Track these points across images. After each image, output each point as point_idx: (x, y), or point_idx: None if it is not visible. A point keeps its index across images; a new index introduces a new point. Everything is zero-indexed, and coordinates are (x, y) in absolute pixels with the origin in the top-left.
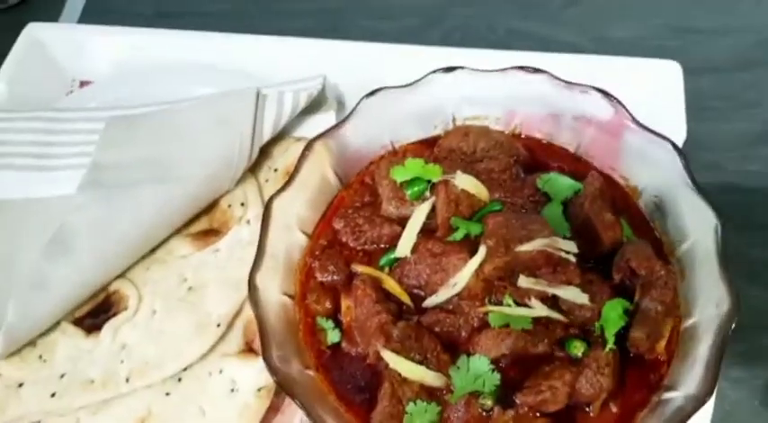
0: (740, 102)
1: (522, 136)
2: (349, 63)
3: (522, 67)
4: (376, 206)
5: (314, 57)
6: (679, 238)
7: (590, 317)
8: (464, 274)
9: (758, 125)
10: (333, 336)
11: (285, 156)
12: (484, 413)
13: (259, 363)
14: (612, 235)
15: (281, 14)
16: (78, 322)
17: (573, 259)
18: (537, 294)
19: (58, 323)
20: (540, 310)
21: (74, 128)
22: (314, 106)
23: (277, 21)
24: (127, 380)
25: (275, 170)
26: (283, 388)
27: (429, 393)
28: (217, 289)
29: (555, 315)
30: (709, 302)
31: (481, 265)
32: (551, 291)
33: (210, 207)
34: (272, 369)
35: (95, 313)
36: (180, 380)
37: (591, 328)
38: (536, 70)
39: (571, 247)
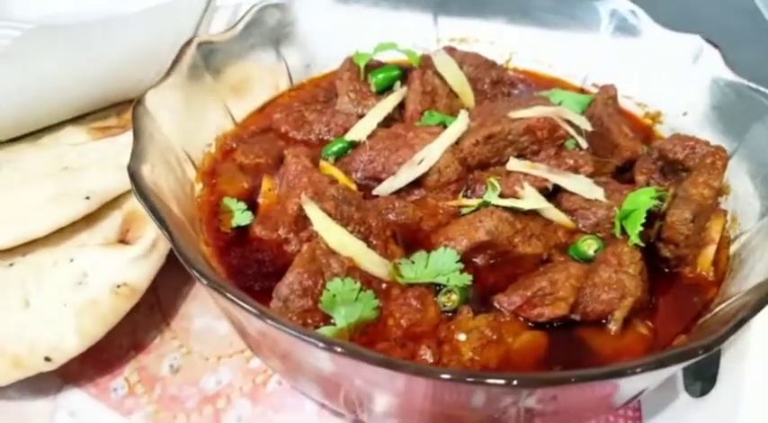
0: None
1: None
2: None
3: None
4: (329, 105)
5: None
6: None
7: (604, 217)
8: (435, 147)
9: None
10: (241, 218)
11: None
12: (445, 314)
13: (129, 254)
14: (632, 144)
15: None
16: None
17: (584, 144)
18: (532, 183)
19: None
20: (533, 200)
21: None
22: None
23: None
24: None
25: None
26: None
27: (365, 281)
28: (100, 169)
29: (556, 213)
30: None
31: (459, 141)
32: (553, 178)
33: (124, 106)
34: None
35: None
36: (12, 265)
37: (604, 233)
38: None
39: (583, 122)
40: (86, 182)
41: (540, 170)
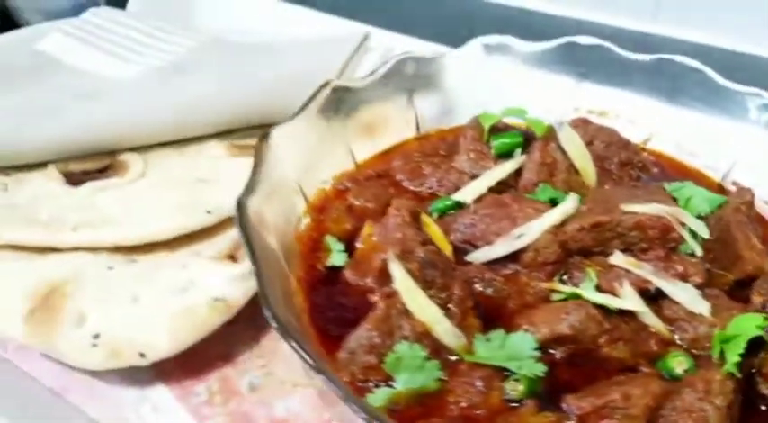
0: None
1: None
2: None
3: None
4: (448, 160)
5: None
6: None
7: (705, 335)
8: (536, 225)
9: None
10: (337, 258)
11: None
12: (506, 403)
13: (233, 272)
14: (758, 258)
15: None
16: (68, 175)
17: (699, 251)
18: (634, 282)
19: (45, 165)
20: (631, 300)
21: (171, 39)
22: None
23: None
24: (74, 229)
25: None
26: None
27: (434, 350)
28: (226, 186)
29: (654, 320)
30: None
31: (564, 223)
32: (657, 281)
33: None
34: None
35: (91, 173)
36: (134, 261)
37: (702, 352)
38: (693, 70)
39: (701, 228)
40: (211, 196)
41: (644, 270)
